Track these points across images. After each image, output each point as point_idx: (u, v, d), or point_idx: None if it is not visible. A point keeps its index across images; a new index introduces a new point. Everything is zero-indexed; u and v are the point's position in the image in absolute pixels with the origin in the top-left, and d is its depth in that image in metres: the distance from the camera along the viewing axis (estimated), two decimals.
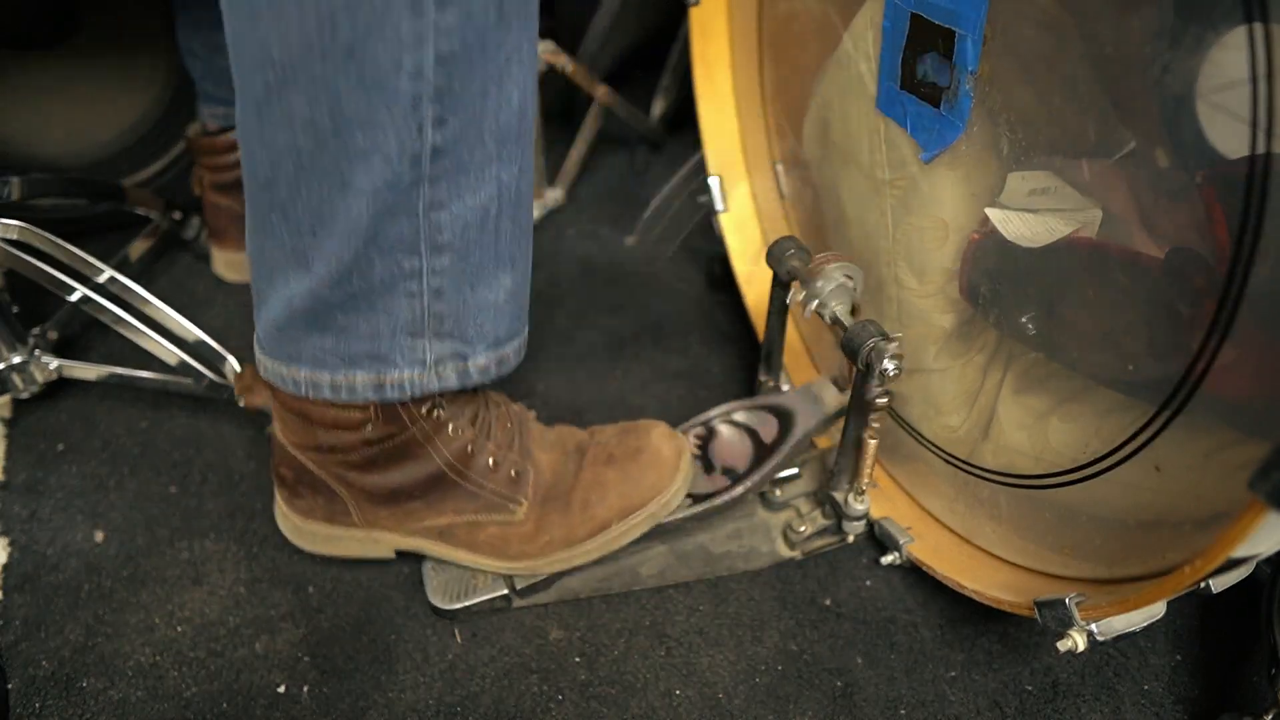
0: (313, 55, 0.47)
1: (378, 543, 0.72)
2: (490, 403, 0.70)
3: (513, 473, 0.70)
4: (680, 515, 0.74)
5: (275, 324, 0.60)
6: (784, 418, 0.78)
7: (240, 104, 0.52)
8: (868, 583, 0.77)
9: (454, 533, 0.70)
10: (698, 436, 0.79)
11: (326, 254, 0.55)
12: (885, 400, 0.65)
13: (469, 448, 0.67)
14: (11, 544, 0.78)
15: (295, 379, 0.61)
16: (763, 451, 0.77)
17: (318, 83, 0.48)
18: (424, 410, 0.64)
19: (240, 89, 0.51)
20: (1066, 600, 0.56)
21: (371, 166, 0.51)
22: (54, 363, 0.84)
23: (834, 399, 0.78)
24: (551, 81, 1.15)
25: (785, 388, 0.88)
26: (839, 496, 0.74)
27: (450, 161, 0.52)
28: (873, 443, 0.69)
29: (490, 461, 0.68)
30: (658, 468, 0.72)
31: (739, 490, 0.75)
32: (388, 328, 0.58)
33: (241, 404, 0.66)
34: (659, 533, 0.74)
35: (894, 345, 0.63)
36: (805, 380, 0.90)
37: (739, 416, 0.80)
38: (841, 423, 0.71)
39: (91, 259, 0.80)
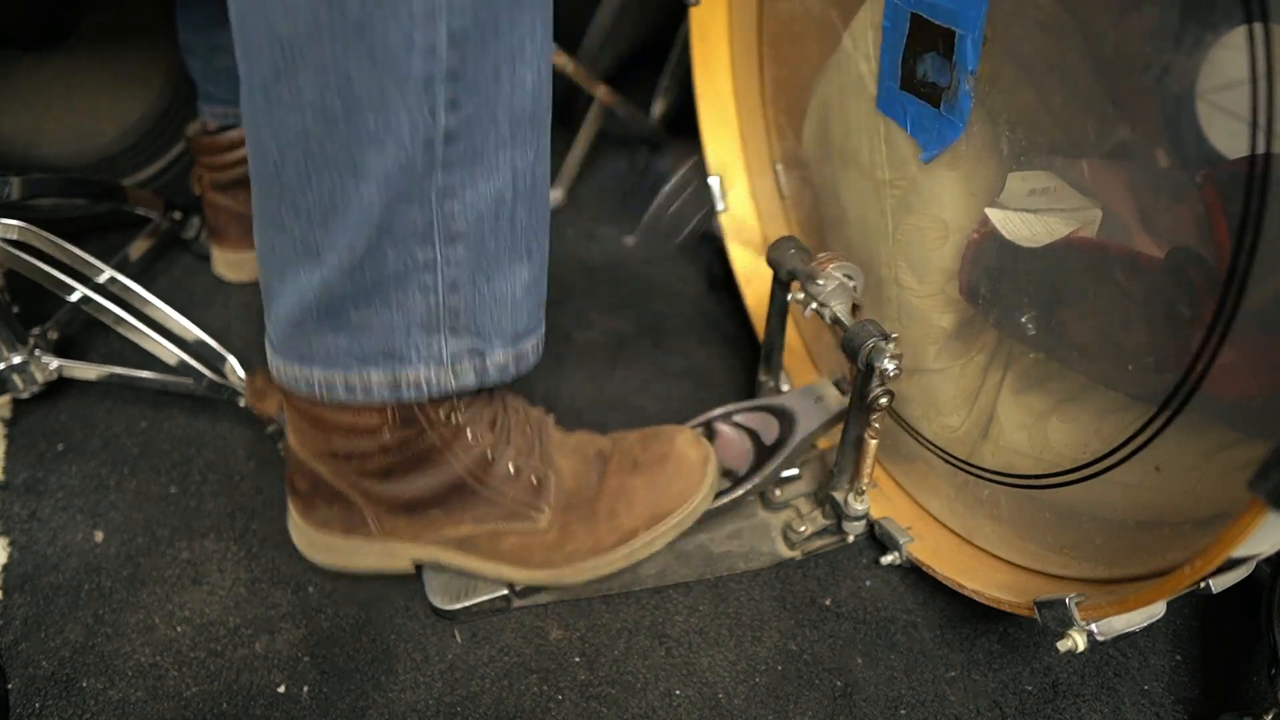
0: (321, 34, 0.46)
1: (395, 555, 0.70)
2: (509, 407, 0.69)
3: (534, 480, 0.68)
4: None
5: (288, 321, 0.58)
6: (785, 419, 0.78)
7: (246, 88, 0.51)
8: (868, 583, 0.77)
9: (475, 543, 0.69)
10: None
11: (338, 244, 0.53)
12: (886, 400, 0.65)
13: (488, 454, 0.66)
14: (11, 544, 0.78)
15: (309, 379, 0.60)
16: (763, 453, 0.77)
17: (327, 63, 0.46)
18: (442, 415, 0.63)
19: (246, 72, 0.50)
20: (1066, 600, 0.56)
21: (384, 150, 0.49)
22: (54, 363, 0.84)
23: (836, 400, 0.78)
24: (551, 81, 1.15)
25: (785, 388, 0.88)
26: (839, 496, 0.74)
27: (464, 146, 0.51)
28: (873, 442, 0.69)
29: (511, 468, 0.67)
30: (685, 474, 0.71)
31: (740, 491, 0.75)
32: (402, 323, 0.57)
33: (253, 411, 0.64)
34: None
35: (892, 345, 0.63)
36: (805, 380, 0.90)
37: (739, 418, 0.80)
38: (842, 423, 0.71)
39: (91, 259, 0.80)
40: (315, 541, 0.70)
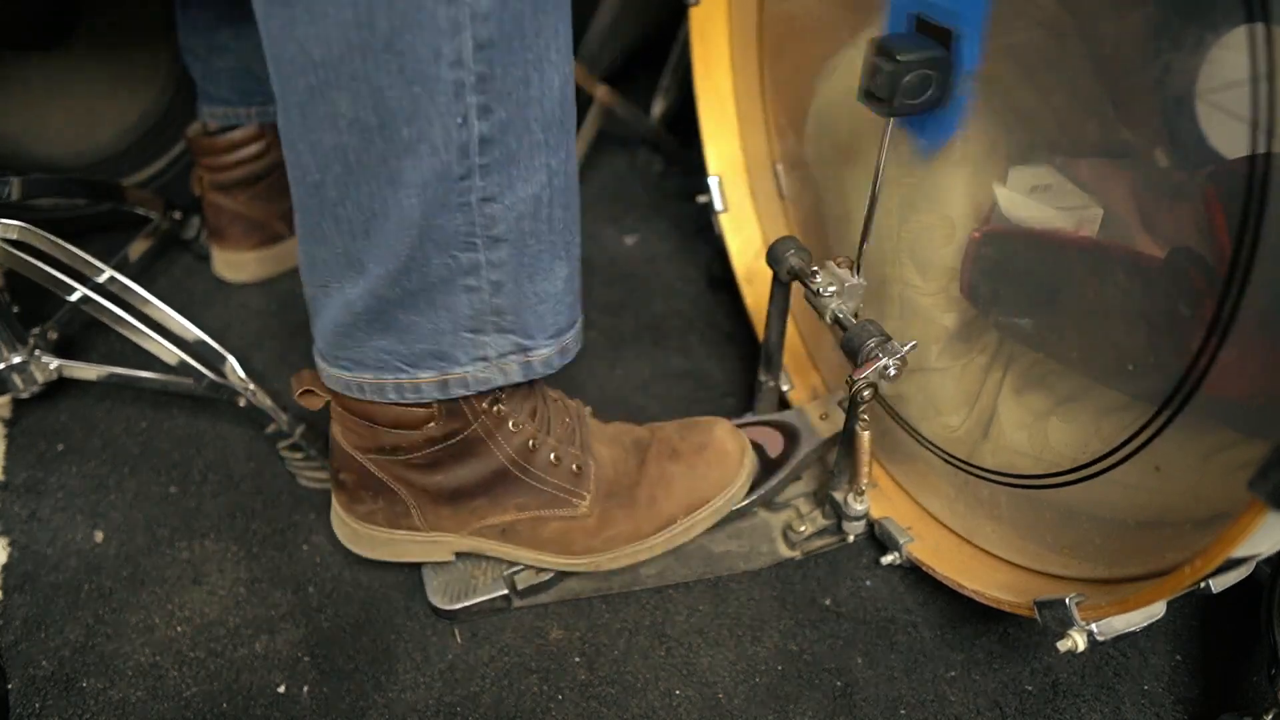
0: (353, 52, 0.47)
1: (438, 545, 0.71)
2: (548, 398, 0.70)
3: (575, 467, 0.70)
4: None
5: (336, 329, 0.60)
6: (789, 434, 0.79)
7: (282, 108, 0.52)
8: (868, 583, 0.77)
9: (516, 530, 0.70)
10: None
11: (381, 253, 0.54)
12: (870, 393, 0.65)
13: (530, 443, 0.67)
14: (11, 544, 0.78)
15: (360, 384, 0.62)
16: (769, 464, 0.78)
17: (360, 79, 0.48)
18: (486, 405, 0.64)
19: (281, 93, 0.51)
20: (1066, 600, 0.56)
21: (420, 159, 0.51)
22: (54, 363, 0.84)
23: (827, 427, 0.79)
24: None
25: (786, 387, 0.89)
26: (839, 496, 0.74)
27: (499, 152, 0.52)
28: (865, 434, 0.69)
29: (552, 456, 0.69)
30: (723, 463, 0.73)
31: (746, 502, 0.75)
32: (449, 325, 0.58)
33: (301, 407, 0.66)
34: None
35: (893, 343, 0.63)
36: (806, 380, 0.90)
37: (745, 431, 0.81)
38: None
39: (91, 259, 0.80)
40: (359, 535, 0.71)
